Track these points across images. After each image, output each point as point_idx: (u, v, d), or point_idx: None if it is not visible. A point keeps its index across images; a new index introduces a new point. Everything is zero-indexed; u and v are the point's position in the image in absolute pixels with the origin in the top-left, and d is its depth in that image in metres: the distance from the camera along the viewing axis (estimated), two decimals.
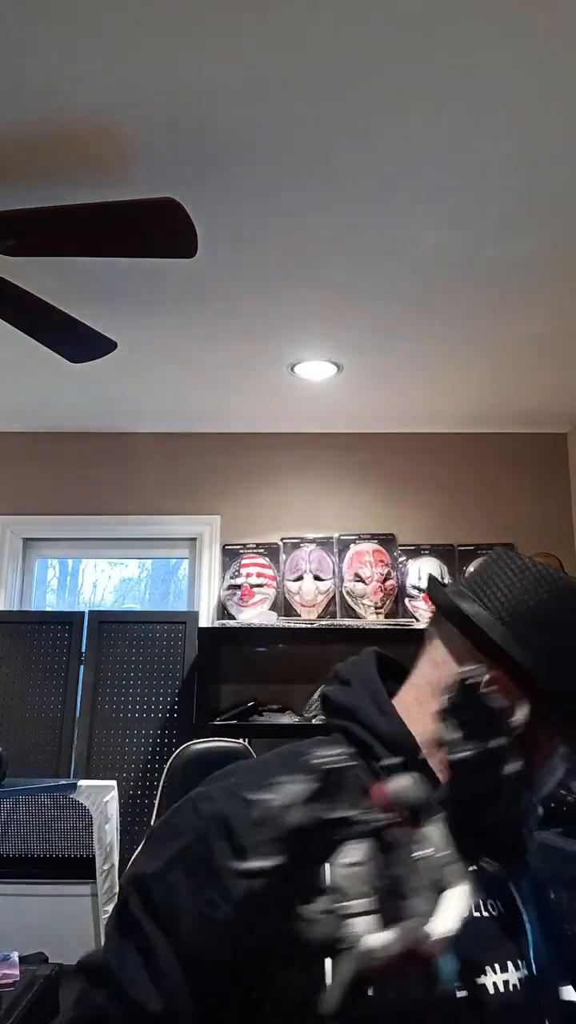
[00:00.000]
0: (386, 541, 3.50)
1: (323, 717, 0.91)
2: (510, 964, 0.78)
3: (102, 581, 4.66)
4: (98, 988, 0.73)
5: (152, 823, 2.82)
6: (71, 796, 2.79)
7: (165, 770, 2.85)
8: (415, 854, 0.63)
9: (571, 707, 0.83)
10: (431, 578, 0.98)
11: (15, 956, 2.22)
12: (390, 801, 0.65)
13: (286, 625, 3.30)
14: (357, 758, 0.79)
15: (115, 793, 2.80)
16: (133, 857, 0.74)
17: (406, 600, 3.39)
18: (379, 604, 3.33)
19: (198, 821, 0.76)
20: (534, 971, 0.79)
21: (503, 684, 0.81)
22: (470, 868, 0.78)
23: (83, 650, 3.35)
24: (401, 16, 1.48)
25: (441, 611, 0.90)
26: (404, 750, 0.82)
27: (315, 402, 3.37)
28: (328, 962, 0.68)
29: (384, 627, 3.24)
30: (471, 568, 0.87)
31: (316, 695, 0.89)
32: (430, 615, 0.95)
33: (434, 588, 0.93)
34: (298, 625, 3.30)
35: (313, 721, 2.89)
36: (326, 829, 0.65)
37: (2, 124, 1.77)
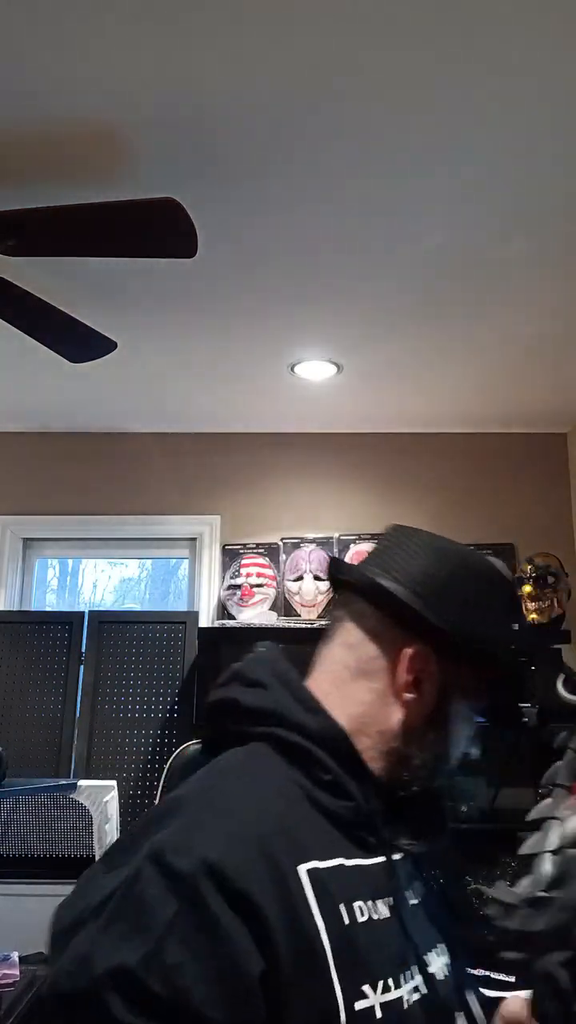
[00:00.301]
0: None
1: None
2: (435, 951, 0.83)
3: (102, 581, 4.66)
4: None
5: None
6: (71, 796, 2.79)
7: (165, 770, 2.85)
8: None
9: (490, 671, 0.89)
10: (334, 559, 0.96)
11: (15, 956, 2.22)
12: None
13: (286, 625, 3.30)
14: (292, 769, 0.78)
15: (115, 793, 2.80)
16: (73, 949, 0.63)
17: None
18: None
19: (176, 881, 0.65)
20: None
21: (423, 658, 0.84)
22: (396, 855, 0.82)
23: (83, 650, 3.35)
24: (402, 16, 1.48)
25: (355, 590, 0.89)
26: (340, 748, 0.80)
27: (315, 402, 3.37)
28: (338, 989, 0.67)
29: None
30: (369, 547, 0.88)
31: (221, 695, 0.87)
32: (334, 598, 0.94)
33: (344, 569, 0.93)
34: (298, 625, 3.30)
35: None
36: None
37: (2, 124, 1.77)
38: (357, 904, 0.74)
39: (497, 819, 3.01)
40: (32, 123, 1.77)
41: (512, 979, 0.80)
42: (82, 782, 2.80)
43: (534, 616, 3.18)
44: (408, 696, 0.84)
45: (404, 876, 0.83)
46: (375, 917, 0.76)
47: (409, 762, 0.84)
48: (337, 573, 0.94)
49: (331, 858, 0.75)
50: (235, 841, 0.68)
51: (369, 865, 0.79)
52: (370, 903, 0.76)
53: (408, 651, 0.84)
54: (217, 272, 2.36)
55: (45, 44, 1.56)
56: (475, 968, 0.88)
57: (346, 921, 0.72)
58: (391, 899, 0.79)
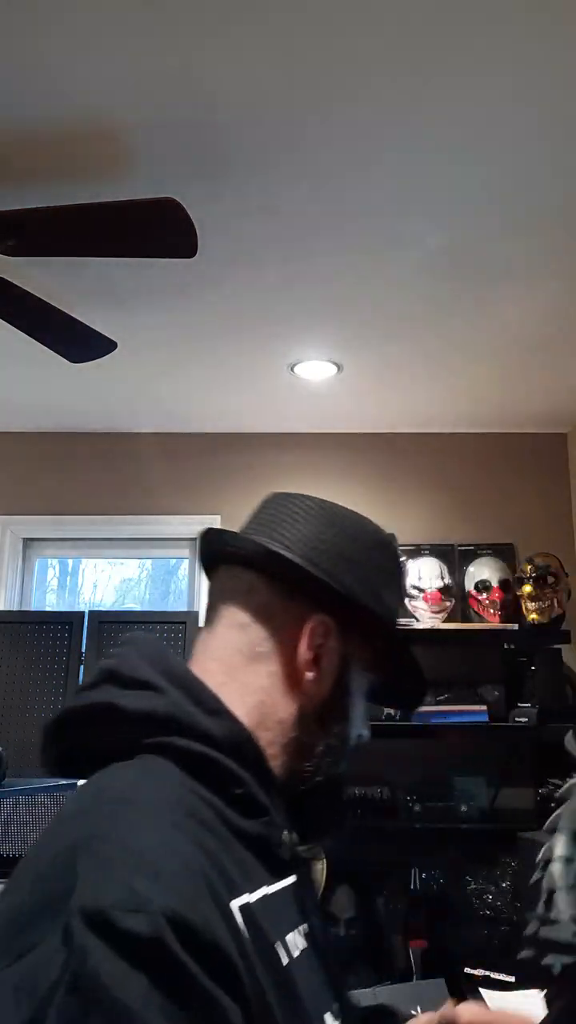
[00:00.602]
0: None
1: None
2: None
3: (102, 581, 4.65)
4: None
5: None
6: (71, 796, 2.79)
7: None
8: None
9: (391, 642, 0.82)
10: (210, 530, 0.83)
11: None
12: None
13: None
14: (197, 784, 0.66)
15: None
16: None
17: (406, 600, 3.39)
18: None
19: (137, 949, 0.51)
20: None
21: (325, 630, 0.77)
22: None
23: (83, 650, 3.35)
24: (402, 15, 1.48)
25: (241, 562, 0.79)
26: (247, 753, 0.70)
27: (315, 402, 3.37)
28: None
29: None
30: (246, 518, 0.84)
31: (90, 699, 0.71)
32: (213, 579, 0.82)
33: (228, 539, 0.81)
34: None
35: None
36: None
37: (2, 124, 1.77)
38: (289, 938, 0.66)
39: (497, 819, 3.01)
40: (32, 123, 1.77)
41: (512, 979, 0.80)
42: (82, 782, 2.79)
43: (534, 616, 3.18)
44: (309, 675, 0.75)
45: (309, 895, 0.76)
46: (300, 950, 0.67)
47: (312, 751, 0.76)
48: (220, 545, 0.81)
49: (256, 888, 0.64)
50: (183, 884, 0.55)
51: (285, 888, 0.70)
52: (293, 934, 0.68)
53: (309, 624, 0.76)
54: (217, 272, 2.36)
55: (45, 44, 1.56)
56: (475, 968, 0.88)
57: (284, 961, 0.63)
58: (306, 926, 0.71)
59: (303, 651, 0.76)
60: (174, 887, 0.54)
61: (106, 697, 0.69)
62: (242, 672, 0.75)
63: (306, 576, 0.75)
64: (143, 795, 0.63)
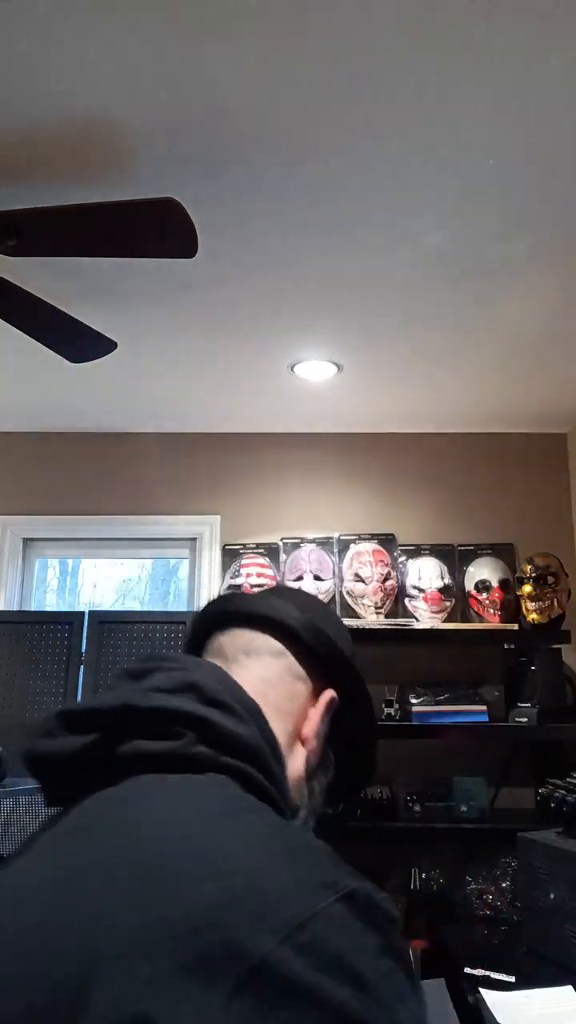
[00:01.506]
0: (386, 541, 3.50)
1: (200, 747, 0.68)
2: None
3: (102, 581, 4.66)
4: None
5: None
6: None
7: None
8: None
9: (365, 723, 0.91)
10: (239, 596, 0.94)
11: None
12: None
13: None
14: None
15: None
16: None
17: (406, 600, 3.39)
18: (379, 604, 3.33)
19: (396, 927, 0.57)
20: None
21: (334, 700, 0.85)
22: None
23: (83, 650, 3.35)
24: (402, 15, 1.48)
25: (275, 628, 0.85)
26: (287, 797, 0.75)
27: (315, 402, 3.37)
28: None
29: (384, 627, 3.24)
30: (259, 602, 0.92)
31: (179, 705, 0.70)
32: (226, 634, 0.86)
33: (274, 606, 0.87)
34: None
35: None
36: None
37: (2, 124, 1.77)
38: None
39: (497, 819, 3.01)
40: (32, 123, 1.77)
41: (512, 979, 0.80)
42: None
43: (534, 616, 3.18)
44: (312, 741, 0.82)
45: None
46: None
47: (297, 809, 0.80)
48: (265, 610, 0.87)
49: None
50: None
51: None
52: None
53: (328, 694, 0.84)
54: (217, 272, 2.36)
55: (45, 44, 1.56)
56: (475, 968, 0.89)
57: None
58: None
59: (314, 718, 0.82)
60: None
61: (192, 708, 0.68)
62: (273, 719, 0.80)
63: (334, 652, 0.84)
64: (256, 804, 0.66)
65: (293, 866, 0.54)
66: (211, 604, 0.91)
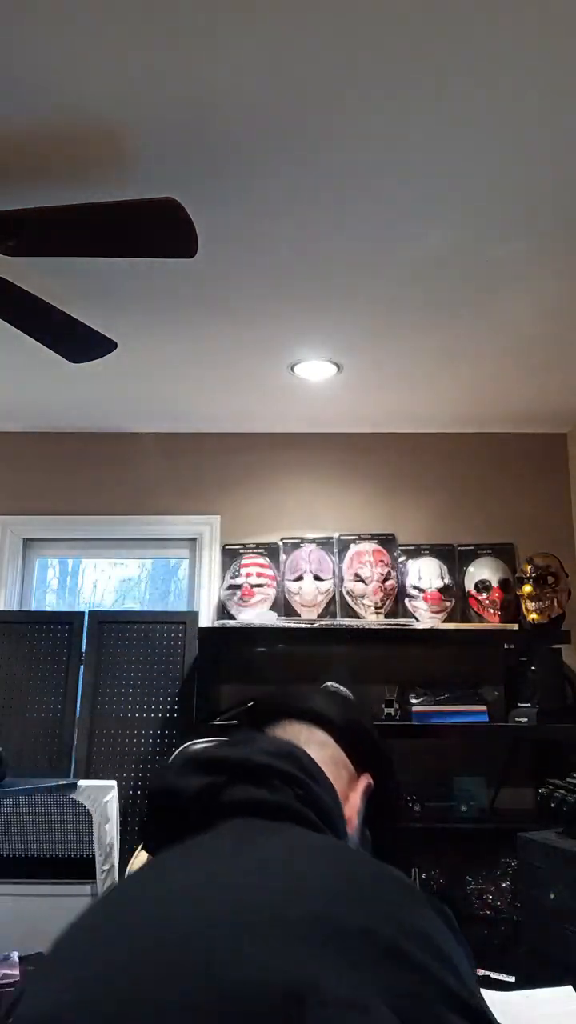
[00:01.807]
0: (386, 541, 3.50)
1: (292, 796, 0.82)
2: None
3: (102, 581, 4.66)
4: None
5: None
6: (71, 796, 2.79)
7: None
8: None
9: (397, 803, 1.07)
10: (295, 693, 1.06)
11: (15, 956, 2.22)
12: None
13: (286, 625, 3.30)
14: None
15: (115, 793, 2.80)
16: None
17: (406, 600, 3.39)
18: (379, 604, 3.33)
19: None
20: None
21: (370, 785, 0.96)
22: None
23: (83, 650, 3.35)
24: (401, 15, 1.48)
25: (319, 721, 0.98)
26: None
27: (315, 402, 3.37)
28: None
29: (384, 627, 3.24)
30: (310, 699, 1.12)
31: (284, 767, 0.87)
32: (276, 728, 0.99)
33: (324, 704, 1.01)
34: (298, 625, 3.30)
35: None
36: None
37: (2, 124, 1.77)
38: None
39: (497, 819, 3.01)
40: (33, 123, 1.77)
41: (512, 979, 0.81)
42: (82, 782, 2.80)
43: (534, 616, 3.18)
44: (354, 822, 0.91)
45: None
46: None
47: None
48: (312, 706, 1.00)
49: None
50: None
51: None
52: None
53: (366, 779, 0.95)
54: (217, 272, 2.36)
55: (45, 44, 1.56)
56: (475, 968, 0.89)
57: None
58: None
59: (354, 801, 0.92)
60: None
61: (295, 771, 0.83)
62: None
63: (370, 743, 0.97)
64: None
65: (400, 885, 0.73)
66: (261, 702, 1.05)
